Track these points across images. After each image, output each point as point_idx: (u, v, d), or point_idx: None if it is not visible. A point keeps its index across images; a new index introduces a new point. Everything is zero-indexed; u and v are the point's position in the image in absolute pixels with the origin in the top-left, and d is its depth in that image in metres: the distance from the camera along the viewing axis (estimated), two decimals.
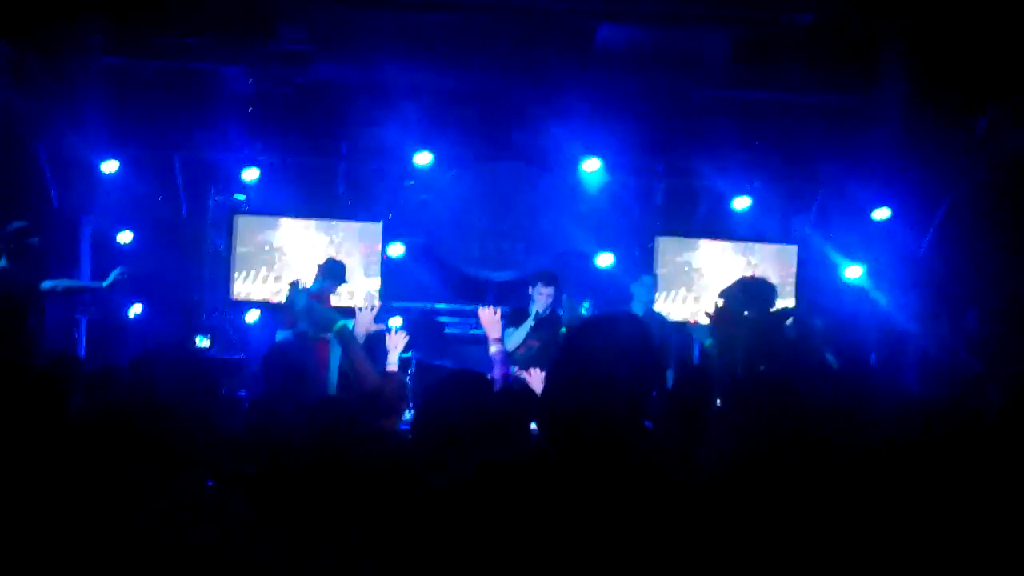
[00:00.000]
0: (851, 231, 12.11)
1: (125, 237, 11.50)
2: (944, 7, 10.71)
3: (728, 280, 9.16)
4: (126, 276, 8.74)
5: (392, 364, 6.08)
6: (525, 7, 11.25)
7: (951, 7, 10.63)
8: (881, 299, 12.09)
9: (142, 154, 11.54)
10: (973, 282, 10.89)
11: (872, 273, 11.97)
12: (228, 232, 11.97)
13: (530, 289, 9.13)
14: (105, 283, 8.75)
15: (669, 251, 12.31)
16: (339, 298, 10.32)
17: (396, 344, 6.19)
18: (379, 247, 12.00)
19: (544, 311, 8.91)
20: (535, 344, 8.77)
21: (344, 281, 10.00)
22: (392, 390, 5.40)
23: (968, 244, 11.30)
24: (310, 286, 9.65)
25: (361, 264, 11.90)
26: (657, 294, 10.73)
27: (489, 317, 6.87)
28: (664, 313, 11.11)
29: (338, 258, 10.39)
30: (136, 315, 11.52)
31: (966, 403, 6.03)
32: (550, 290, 8.97)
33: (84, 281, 8.98)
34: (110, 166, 11.24)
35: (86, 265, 11.35)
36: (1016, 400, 4.03)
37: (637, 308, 9.55)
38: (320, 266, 9.98)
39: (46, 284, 8.50)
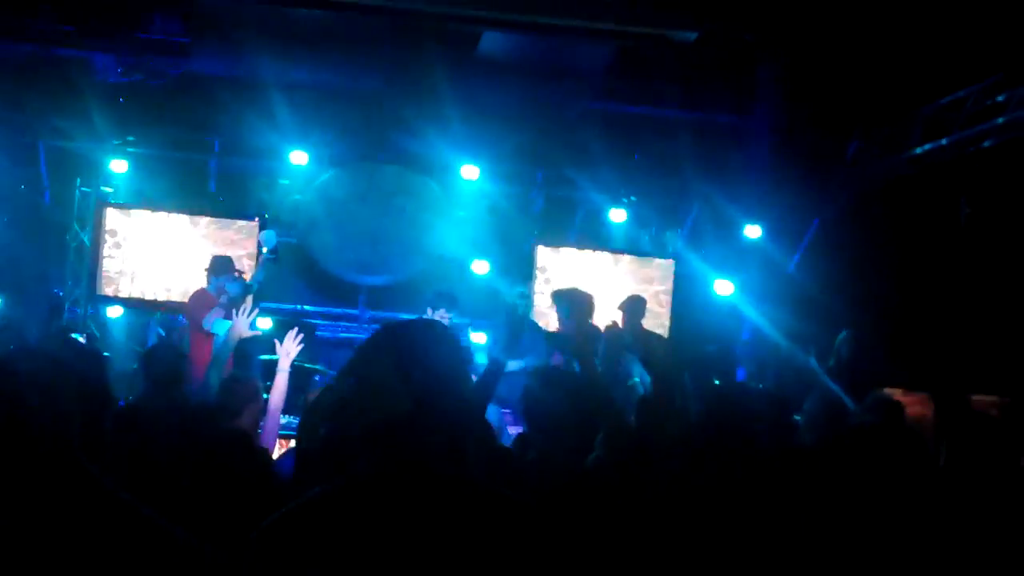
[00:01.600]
0: (724, 247, 12.29)
1: None
2: (820, 35, 10.91)
3: (610, 291, 9.29)
4: None
5: (283, 370, 5.95)
6: (407, 10, 11.15)
7: (826, 35, 10.83)
8: (751, 315, 12.30)
9: (5, 140, 11.14)
10: (842, 301, 11.09)
11: (743, 289, 12.15)
12: (95, 224, 11.63)
13: (430, 311, 9.00)
14: None
15: (547, 260, 12.31)
16: None
17: (289, 351, 6.08)
18: (252, 245, 11.77)
19: None
20: None
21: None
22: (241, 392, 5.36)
23: (837, 264, 11.51)
24: (207, 286, 9.36)
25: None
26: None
27: None
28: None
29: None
30: None
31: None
32: (451, 316, 8.91)
33: None
34: None
35: None
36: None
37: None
38: (210, 266, 9.50)
39: None
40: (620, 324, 9.26)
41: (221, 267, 9.48)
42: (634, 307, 9.35)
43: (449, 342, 2.22)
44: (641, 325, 9.34)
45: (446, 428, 2.12)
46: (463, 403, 2.23)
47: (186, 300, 9.51)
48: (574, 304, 7.74)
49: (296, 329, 6.28)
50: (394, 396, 2.10)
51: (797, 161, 11.67)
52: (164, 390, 5.54)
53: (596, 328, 7.76)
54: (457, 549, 2.01)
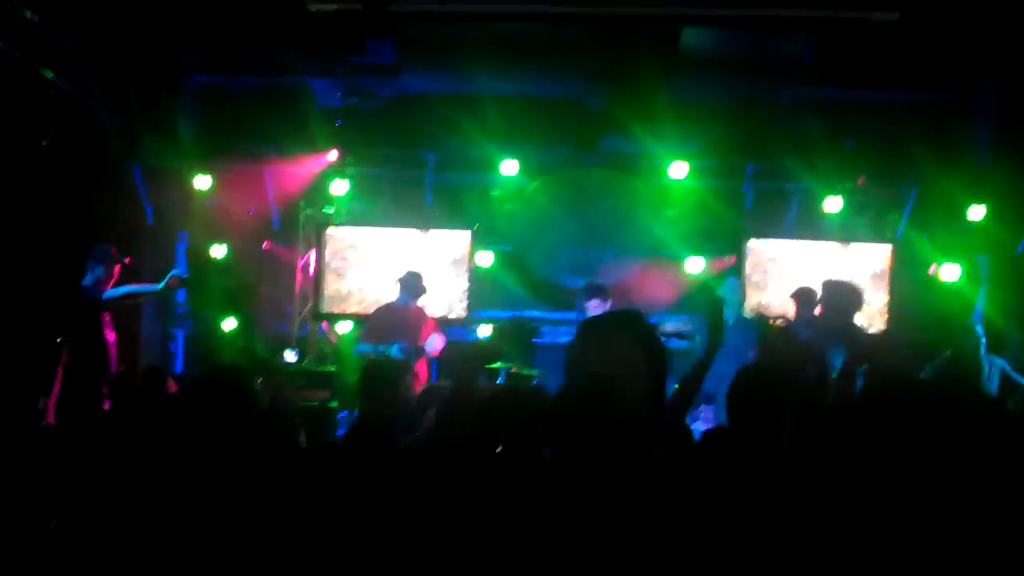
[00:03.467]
0: (947, 230, 11.90)
1: (219, 251, 11.70)
2: None
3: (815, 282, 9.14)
4: (181, 278, 8.97)
5: None
6: (609, 16, 11.18)
7: None
8: (978, 299, 11.89)
9: (233, 168, 11.69)
10: None
11: (970, 273, 11.75)
12: (318, 244, 12.11)
13: (585, 304, 9.04)
14: (160, 286, 8.93)
15: (759, 253, 12.19)
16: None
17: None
18: (467, 256, 12.05)
19: None
20: None
21: (423, 291, 10.00)
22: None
23: None
24: (395, 300, 9.73)
25: (450, 273, 12.02)
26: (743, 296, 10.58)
27: None
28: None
29: (416, 270, 10.34)
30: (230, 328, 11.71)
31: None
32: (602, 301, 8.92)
33: (141, 287, 9.14)
34: (203, 182, 11.43)
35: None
36: None
37: (728, 313, 9.30)
38: (400, 280, 10.03)
39: (107, 293, 8.72)
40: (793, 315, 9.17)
41: (409, 285, 9.77)
42: (804, 297, 9.25)
43: (619, 337, 2.22)
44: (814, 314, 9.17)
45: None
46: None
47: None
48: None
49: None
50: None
51: (1021, 136, 11.18)
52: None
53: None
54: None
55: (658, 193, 12.42)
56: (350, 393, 10.28)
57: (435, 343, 9.10)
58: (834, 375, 6.10)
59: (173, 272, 8.91)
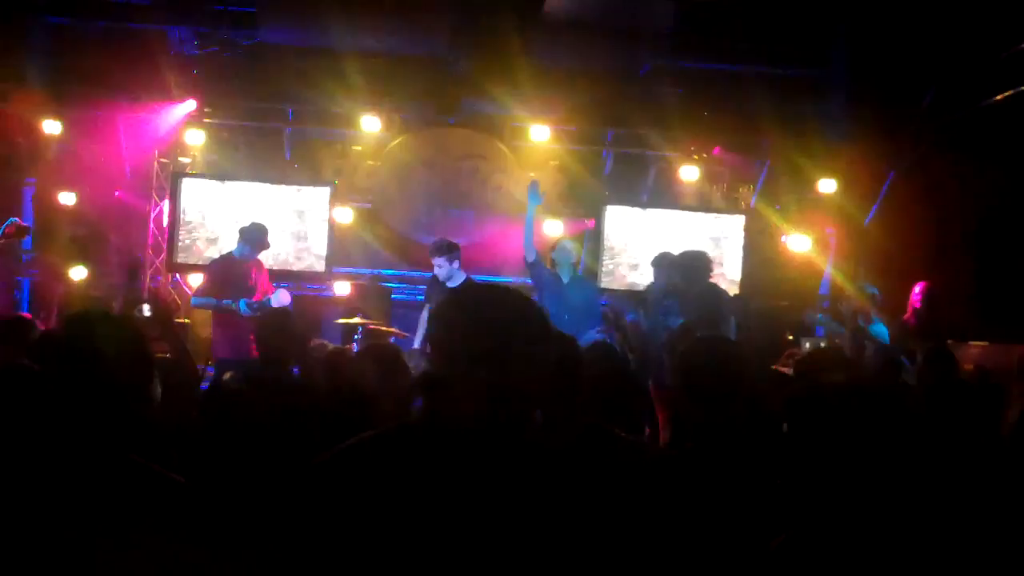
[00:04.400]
0: (798, 202, 12.23)
1: (68, 198, 11.40)
2: None
3: (681, 250, 9.29)
4: (19, 225, 8.61)
5: None
6: None
7: None
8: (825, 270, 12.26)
9: (85, 114, 11.37)
10: (918, 254, 10.98)
11: (818, 244, 12.10)
12: (172, 195, 11.86)
13: (434, 263, 8.96)
14: None
15: (617, 221, 12.35)
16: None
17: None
18: (326, 212, 11.94)
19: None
20: None
21: (266, 246, 9.38)
22: None
23: (912, 216, 11.38)
24: (233, 251, 9.37)
25: (308, 230, 11.91)
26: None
27: None
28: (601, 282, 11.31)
29: (261, 223, 9.66)
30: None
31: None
32: (448, 265, 8.85)
33: None
34: (52, 127, 11.11)
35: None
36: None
37: (563, 273, 9.27)
38: (241, 230, 9.36)
39: None
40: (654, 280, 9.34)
41: (251, 236, 9.25)
42: (663, 263, 9.37)
43: (515, 305, 2.21)
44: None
45: (502, 388, 2.11)
46: (528, 366, 2.20)
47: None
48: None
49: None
50: (454, 354, 2.12)
51: (872, 113, 11.51)
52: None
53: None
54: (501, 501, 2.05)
55: (519, 155, 12.47)
56: (204, 346, 10.16)
57: (283, 297, 8.90)
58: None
59: (10, 220, 8.60)
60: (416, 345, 8.79)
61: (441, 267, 8.85)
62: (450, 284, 8.82)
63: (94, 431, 2.29)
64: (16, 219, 8.77)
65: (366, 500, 2.02)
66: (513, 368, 2.07)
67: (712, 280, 8.88)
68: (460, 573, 1.97)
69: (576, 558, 2.05)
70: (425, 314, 9.07)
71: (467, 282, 8.67)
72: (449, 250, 8.90)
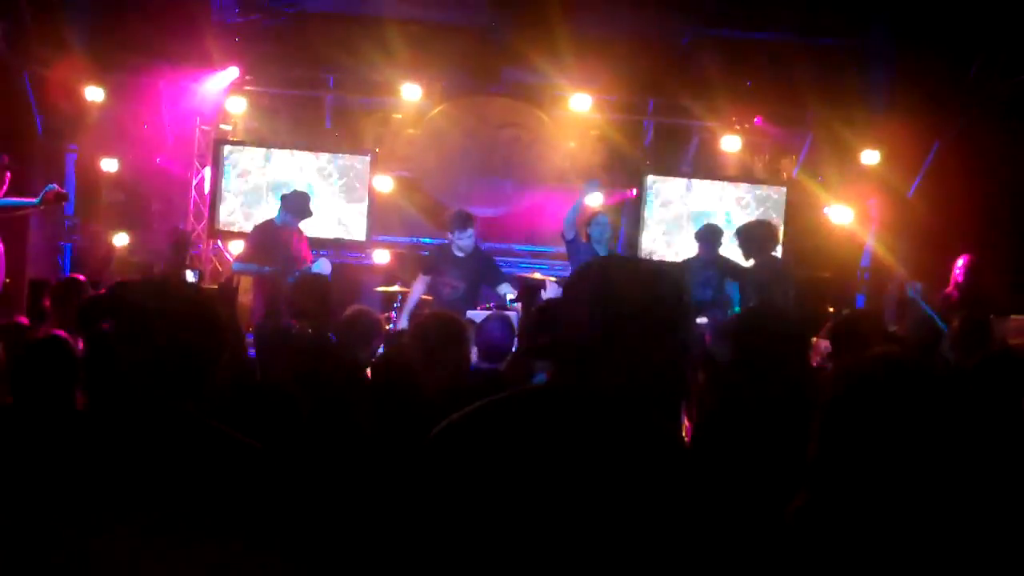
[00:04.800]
0: (840, 173, 12.13)
1: (110, 165, 11.46)
2: None
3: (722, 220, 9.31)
4: (58, 192, 8.67)
5: None
6: None
7: None
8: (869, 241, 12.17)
9: (127, 81, 11.40)
10: (961, 227, 10.87)
11: (860, 216, 12.01)
12: (214, 162, 11.91)
13: (449, 235, 8.94)
14: (37, 200, 8.62)
15: (660, 190, 12.31)
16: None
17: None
18: (367, 180, 11.97)
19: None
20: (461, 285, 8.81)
21: (308, 214, 9.47)
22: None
23: (957, 188, 11.27)
24: (274, 219, 9.40)
25: (346, 198, 11.94)
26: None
27: None
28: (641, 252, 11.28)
29: (303, 191, 9.95)
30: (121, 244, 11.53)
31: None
32: (464, 238, 8.78)
33: (17, 200, 8.79)
34: (95, 93, 11.15)
35: (72, 193, 11.28)
36: None
37: (599, 248, 9.22)
38: (283, 197, 9.51)
39: None
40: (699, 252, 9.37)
41: (293, 204, 9.32)
42: (708, 235, 9.41)
43: (646, 281, 2.19)
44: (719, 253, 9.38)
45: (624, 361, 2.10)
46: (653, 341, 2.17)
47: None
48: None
49: None
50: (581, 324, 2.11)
51: (916, 83, 11.38)
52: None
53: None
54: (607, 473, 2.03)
55: (560, 124, 12.42)
56: (243, 312, 10.20)
57: (324, 266, 8.91)
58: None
59: (49, 187, 8.65)
60: (403, 324, 8.50)
61: (470, 238, 8.81)
62: (462, 255, 8.78)
63: (176, 398, 2.30)
64: (55, 185, 8.83)
65: (504, 463, 2.01)
66: (652, 346, 2.07)
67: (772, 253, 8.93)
68: (588, 541, 1.96)
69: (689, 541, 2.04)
70: (420, 286, 8.96)
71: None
72: (474, 221, 8.89)
